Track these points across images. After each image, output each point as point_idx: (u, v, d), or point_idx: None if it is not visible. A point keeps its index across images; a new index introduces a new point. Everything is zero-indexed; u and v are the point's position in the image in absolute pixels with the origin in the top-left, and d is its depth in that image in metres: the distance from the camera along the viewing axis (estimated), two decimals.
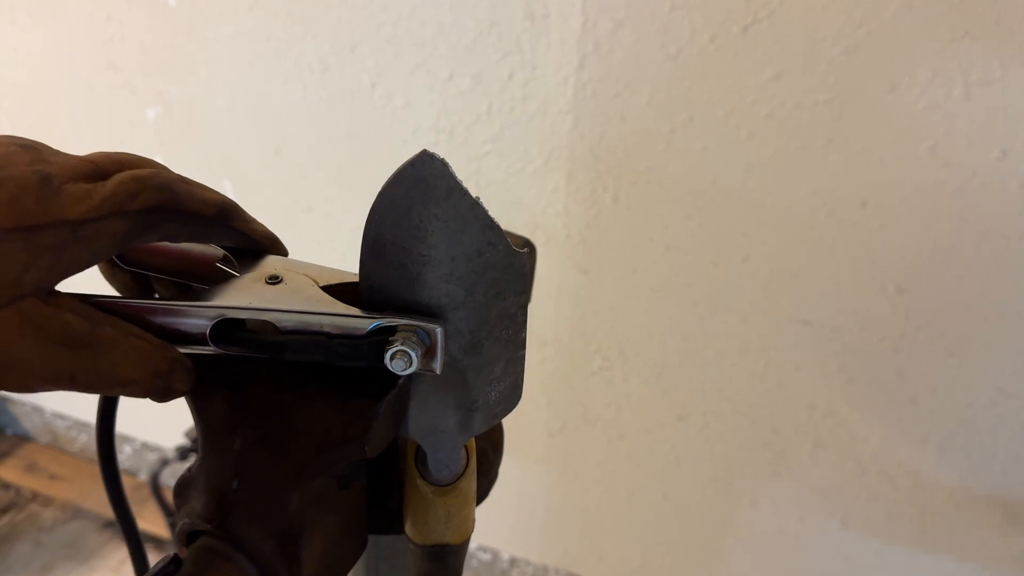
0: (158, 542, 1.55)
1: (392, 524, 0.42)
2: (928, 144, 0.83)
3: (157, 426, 1.65)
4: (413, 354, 0.33)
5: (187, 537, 0.33)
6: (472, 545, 1.45)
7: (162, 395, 0.33)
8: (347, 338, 0.34)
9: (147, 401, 0.34)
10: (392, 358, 0.33)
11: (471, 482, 0.40)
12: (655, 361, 1.08)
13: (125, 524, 0.48)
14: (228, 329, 0.34)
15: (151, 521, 1.55)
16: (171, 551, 0.32)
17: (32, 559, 1.61)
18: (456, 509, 0.40)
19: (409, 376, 0.35)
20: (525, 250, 0.35)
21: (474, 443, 0.41)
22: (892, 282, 0.91)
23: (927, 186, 0.84)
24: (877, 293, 0.92)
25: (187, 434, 1.33)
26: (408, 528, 0.41)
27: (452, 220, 0.33)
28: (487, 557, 1.46)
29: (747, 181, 0.91)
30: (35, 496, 1.76)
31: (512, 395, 0.38)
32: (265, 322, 0.34)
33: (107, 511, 1.70)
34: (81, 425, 1.83)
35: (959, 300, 0.89)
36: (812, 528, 1.12)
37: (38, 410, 1.87)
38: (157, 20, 1.14)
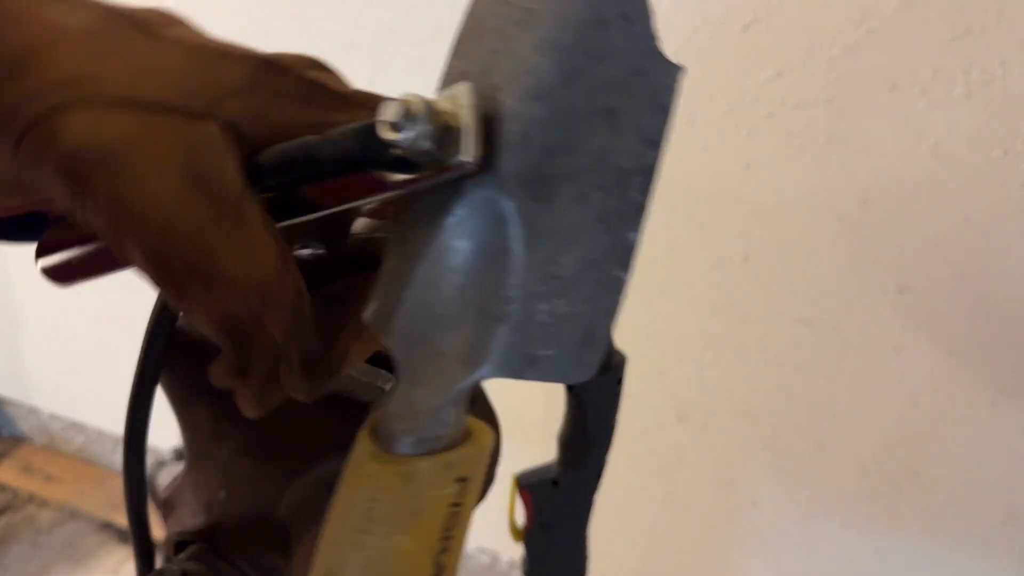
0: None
1: None
2: (929, 143, 0.82)
3: (153, 427, 1.64)
4: (420, 117, 0.22)
5: (175, 548, 0.33)
6: (471, 547, 1.44)
7: (261, 306, 0.24)
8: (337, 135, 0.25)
9: None
10: (386, 126, 0.22)
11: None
12: (655, 361, 1.08)
13: (138, 534, 0.46)
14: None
15: None
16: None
17: (29, 561, 1.60)
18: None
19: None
20: (682, 67, 0.23)
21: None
22: (893, 282, 0.91)
23: (928, 185, 0.84)
24: (878, 293, 0.92)
25: None
26: None
27: None
28: (486, 559, 1.45)
29: (747, 180, 0.91)
30: (32, 497, 1.75)
31: (574, 349, 0.22)
32: None
33: (104, 512, 1.69)
34: (78, 426, 1.83)
35: (960, 300, 0.89)
36: (813, 529, 1.11)
37: (34, 411, 1.87)
38: None
